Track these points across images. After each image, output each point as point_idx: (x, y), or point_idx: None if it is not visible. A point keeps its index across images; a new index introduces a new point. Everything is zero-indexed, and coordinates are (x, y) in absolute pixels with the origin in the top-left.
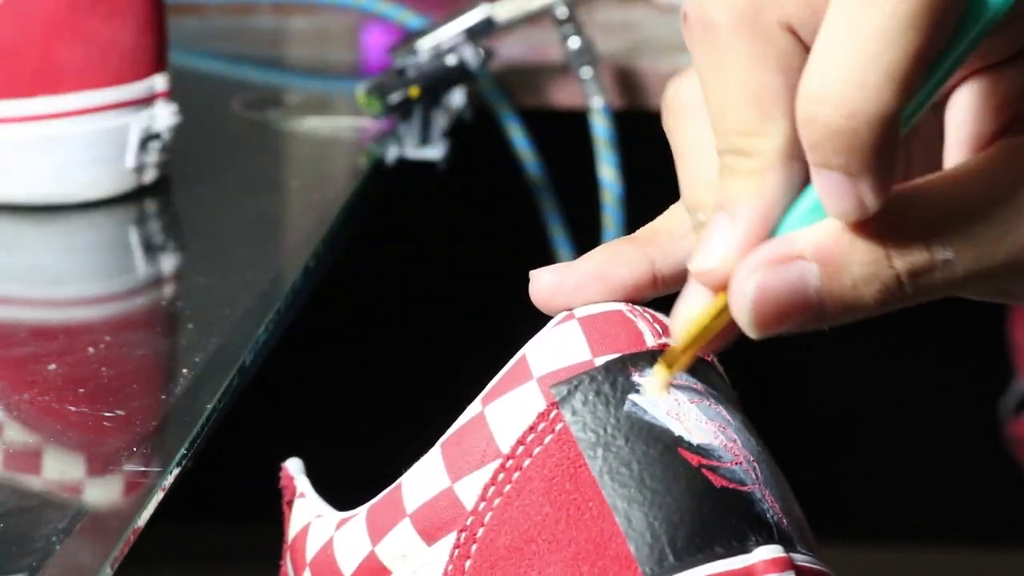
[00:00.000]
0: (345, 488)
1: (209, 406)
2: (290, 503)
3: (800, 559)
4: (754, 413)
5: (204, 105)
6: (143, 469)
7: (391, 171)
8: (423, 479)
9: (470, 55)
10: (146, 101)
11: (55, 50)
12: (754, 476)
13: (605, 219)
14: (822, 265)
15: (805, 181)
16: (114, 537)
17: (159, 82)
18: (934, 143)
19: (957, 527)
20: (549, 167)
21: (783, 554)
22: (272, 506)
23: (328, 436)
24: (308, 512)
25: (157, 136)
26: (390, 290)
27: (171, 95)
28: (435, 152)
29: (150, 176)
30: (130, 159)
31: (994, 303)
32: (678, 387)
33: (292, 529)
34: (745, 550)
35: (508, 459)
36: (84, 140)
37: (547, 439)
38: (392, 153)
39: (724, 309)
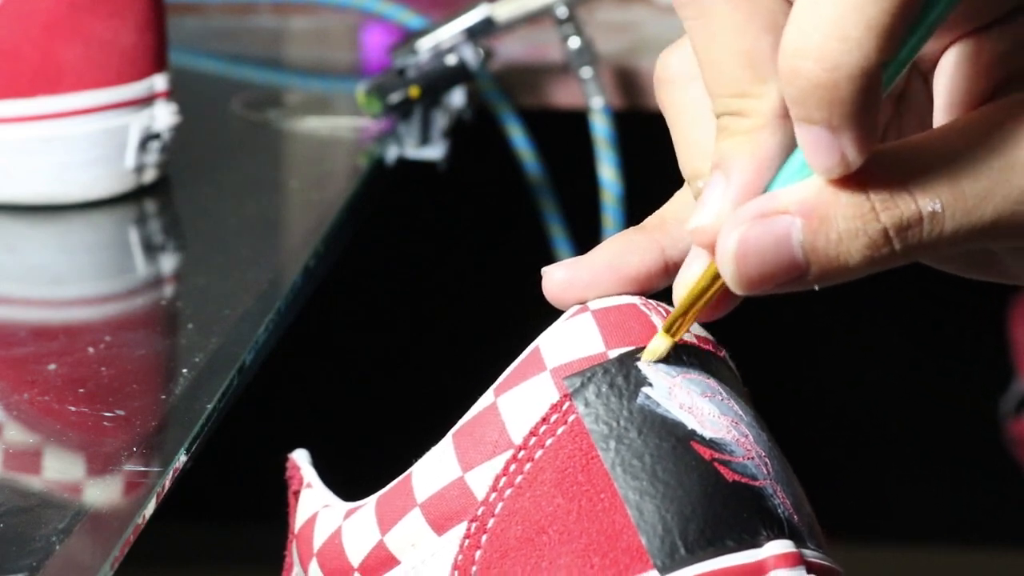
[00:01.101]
0: (346, 487)
1: (209, 406)
2: (296, 493)
3: (810, 555)
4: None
5: (204, 105)
6: (143, 469)
7: (391, 171)
8: (434, 468)
9: (470, 55)
10: (146, 101)
11: (55, 50)
12: (766, 471)
13: (605, 219)
14: (806, 219)
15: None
16: (114, 537)
17: (159, 82)
18: (924, 111)
19: (957, 527)
20: (549, 167)
21: (794, 549)
22: (272, 506)
23: (328, 436)
24: (315, 502)
25: (157, 136)
26: (390, 290)
27: (171, 95)
28: (435, 152)
29: (150, 176)
30: (130, 159)
31: (992, 305)
32: (691, 381)
33: (299, 519)
34: (756, 544)
35: (520, 450)
36: (84, 140)
37: (560, 430)
38: (392, 153)
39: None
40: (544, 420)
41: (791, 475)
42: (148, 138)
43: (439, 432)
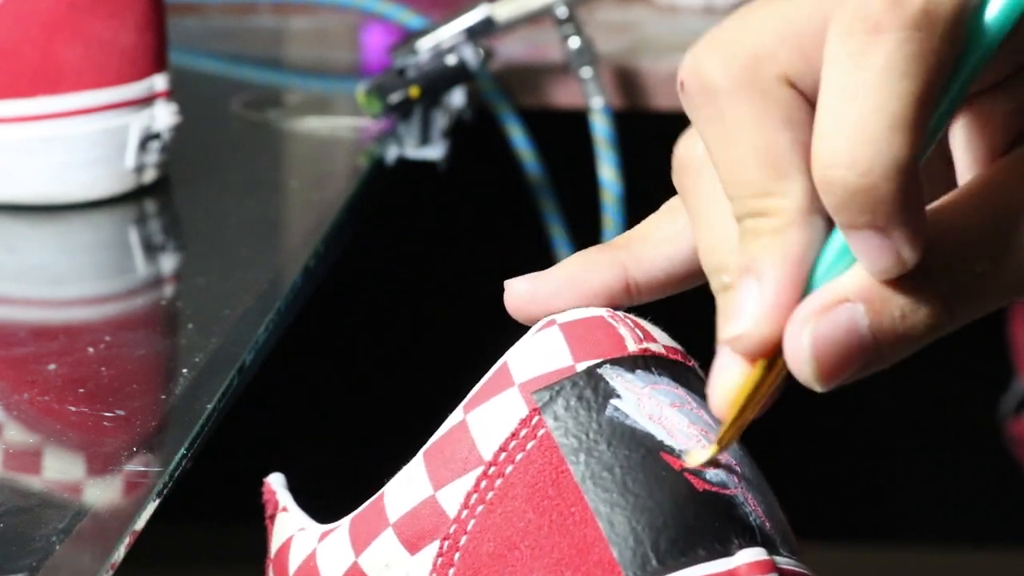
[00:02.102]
0: (346, 487)
1: (209, 406)
2: (272, 517)
3: (783, 562)
4: None
5: (204, 105)
6: (143, 469)
7: (391, 171)
8: (406, 488)
9: (470, 55)
10: (146, 101)
11: (55, 50)
12: (736, 479)
13: (605, 219)
14: (868, 304)
15: (826, 232)
16: (113, 537)
17: (159, 82)
18: (939, 167)
19: (957, 527)
20: (549, 167)
21: (766, 556)
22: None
23: (328, 436)
24: (291, 526)
25: (157, 136)
26: (390, 290)
27: (171, 95)
28: (435, 152)
29: (150, 176)
30: (130, 159)
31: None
32: (660, 391)
33: (275, 543)
34: (728, 553)
35: (490, 466)
36: (84, 140)
37: (529, 445)
38: (392, 153)
39: (766, 375)
40: (514, 435)
41: (763, 483)
42: (148, 138)
43: (442, 424)
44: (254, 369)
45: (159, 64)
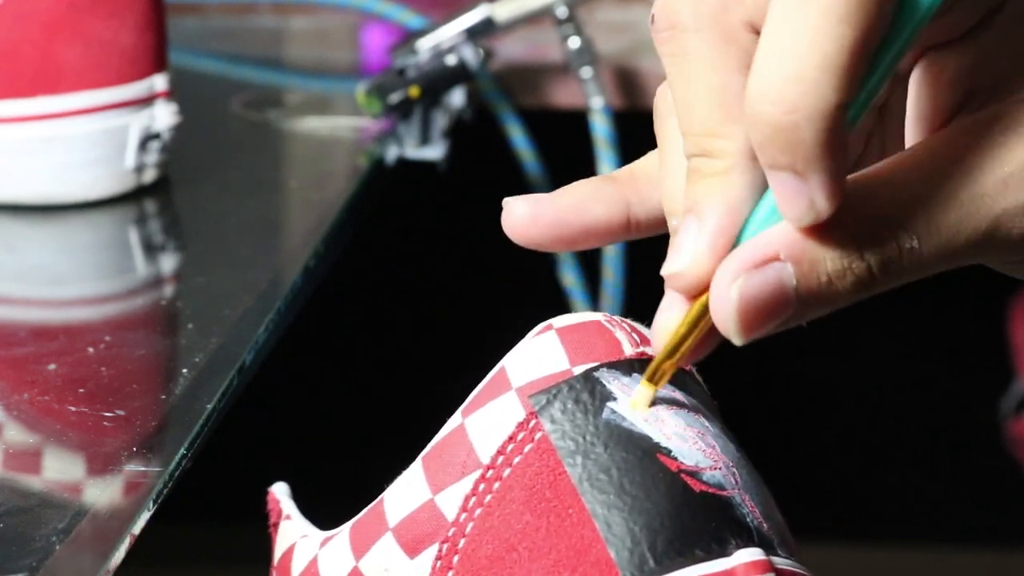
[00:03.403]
0: (346, 488)
1: (209, 406)
2: (276, 526)
3: (780, 562)
4: (755, 415)
5: (204, 105)
6: (143, 469)
7: (391, 171)
8: (404, 492)
9: (470, 55)
10: (146, 101)
11: (55, 50)
12: (733, 481)
13: None
14: (796, 264)
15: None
16: (113, 537)
17: (159, 82)
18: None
19: (957, 527)
20: (549, 167)
21: (763, 557)
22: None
23: (328, 436)
24: (293, 533)
25: (157, 136)
26: (390, 290)
27: (171, 95)
28: (435, 152)
29: (150, 176)
30: (130, 159)
31: (992, 305)
32: (657, 394)
33: (278, 550)
34: (725, 553)
35: (488, 469)
36: (84, 140)
37: (527, 448)
38: (392, 153)
39: (701, 315)
40: (511, 439)
41: (760, 484)
42: (148, 138)
43: (442, 424)
44: (254, 369)
45: (159, 64)
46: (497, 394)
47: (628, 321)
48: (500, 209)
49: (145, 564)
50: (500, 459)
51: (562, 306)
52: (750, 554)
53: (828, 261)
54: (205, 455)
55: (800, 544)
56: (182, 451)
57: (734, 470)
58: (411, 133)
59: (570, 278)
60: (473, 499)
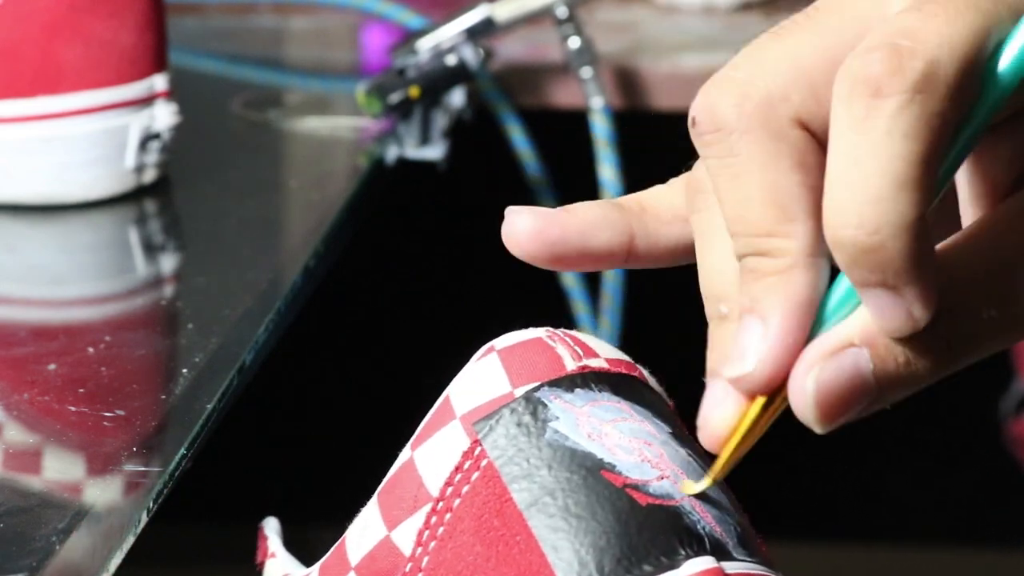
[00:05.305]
0: (346, 489)
1: (209, 406)
2: (262, 564)
3: (734, 567)
4: None
5: (204, 105)
6: (143, 469)
7: (391, 171)
8: (363, 531)
9: (470, 55)
10: (146, 101)
11: (55, 50)
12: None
13: None
14: (872, 348)
15: (829, 275)
16: (114, 537)
17: (159, 82)
18: (944, 201)
19: (957, 527)
20: (549, 167)
21: (714, 564)
22: (272, 506)
23: (328, 436)
24: (276, 572)
25: (157, 136)
26: (390, 290)
27: (171, 95)
28: (435, 152)
29: (150, 176)
30: (130, 159)
31: None
32: (600, 408)
33: None
34: (674, 565)
35: (439, 501)
36: (84, 140)
37: (474, 477)
38: (392, 153)
39: (763, 411)
40: (458, 468)
41: (717, 487)
42: (148, 138)
43: None
44: (254, 369)
45: (159, 64)
46: (442, 424)
47: (571, 334)
48: (500, 209)
49: (145, 564)
50: (449, 490)
51: (562, 306)
52: (700, 563)
53: (905, 343)
54: (205, 455)
55: (798, 544)
56: (182, 451)
57: (683, 477)
58: (411, 133)
59: (571, 278)
60: (427, 533)
